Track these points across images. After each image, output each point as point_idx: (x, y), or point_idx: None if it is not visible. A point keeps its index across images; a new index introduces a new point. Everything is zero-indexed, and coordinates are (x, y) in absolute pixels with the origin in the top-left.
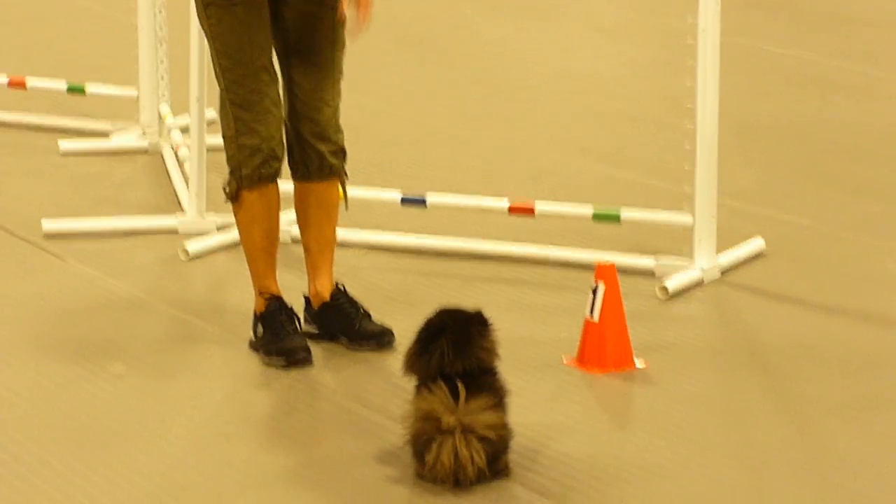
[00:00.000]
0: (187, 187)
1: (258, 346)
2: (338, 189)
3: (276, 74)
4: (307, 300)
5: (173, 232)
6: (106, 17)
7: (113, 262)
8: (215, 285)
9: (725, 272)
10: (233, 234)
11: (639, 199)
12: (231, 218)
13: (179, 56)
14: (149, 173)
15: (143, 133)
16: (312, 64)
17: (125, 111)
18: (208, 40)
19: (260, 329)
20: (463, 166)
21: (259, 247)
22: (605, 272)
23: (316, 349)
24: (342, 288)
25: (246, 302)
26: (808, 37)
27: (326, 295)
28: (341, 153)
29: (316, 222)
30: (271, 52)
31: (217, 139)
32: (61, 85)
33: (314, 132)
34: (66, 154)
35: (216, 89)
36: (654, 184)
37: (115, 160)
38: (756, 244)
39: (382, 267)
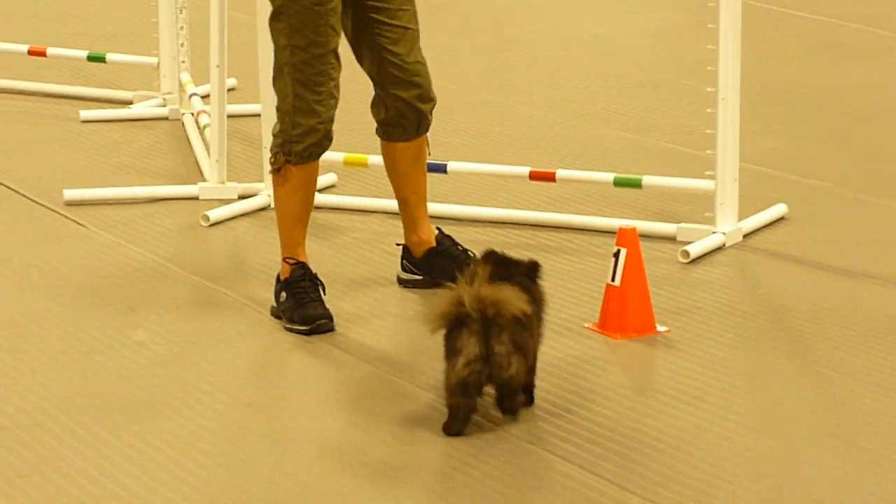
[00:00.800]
0: (208, 155)
1: (280, 312)
2: (426, 141)
3: (340, 59)
4: (406, 249)
5: (194, 199)
6: None
7: (134, 229)
8: (236, 252)
9: (747, 236)
10: (253, 202)
11: (660, 165)
12: (252, 186)
13: (199, 23)
14: (169, 141)
15: (164, 101)
16: (403, 30)
17: (145, 79)
18: (280, 15)
19: (283, 295)
20: (484, 133)
21: (296, 215)
22: (627, 237)
23: (339, 317)
24: (445, 233)
25: (267, 268)
26: (829, 0)
27: (432, 240)
28: (434, 106)
29: (413, 176)
30: (341, 37)
31: (237, 107)
32: (81, 53)
33: (419, 95)
34: (87, 122)
35: (238, 56)
36: (676, 149)
37: (135, 128)
38: (778, 208)
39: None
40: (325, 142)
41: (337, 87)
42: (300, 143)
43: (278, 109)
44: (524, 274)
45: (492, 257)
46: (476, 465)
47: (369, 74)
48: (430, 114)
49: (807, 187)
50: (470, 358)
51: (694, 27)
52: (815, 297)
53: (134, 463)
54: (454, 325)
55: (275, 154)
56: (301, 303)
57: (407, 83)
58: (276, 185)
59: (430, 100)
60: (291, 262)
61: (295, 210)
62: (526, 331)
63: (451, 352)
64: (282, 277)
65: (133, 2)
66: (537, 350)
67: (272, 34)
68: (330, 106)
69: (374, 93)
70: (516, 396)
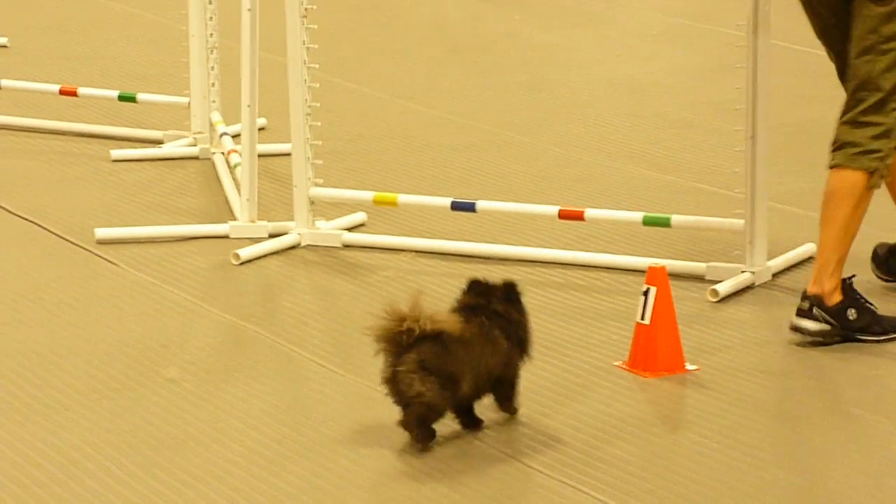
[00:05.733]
0: (239, 194)
1: (858, 329)
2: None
3: None
4: (875, 251)
5: (224, 238)
6: (157, 25)
7: (165, 267)
8: (267, 290)
9: (777, 275)
10: (283, 240)
11: (689, 204)
12: (283, 225)
13: (229, 63)
14: (200, 180)
15: (194, 140)
16: None
17: (176, 119)
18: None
19: (853, 312)
20: (513, 172)
21: (853, 234)
22: (657, 275)
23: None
24: None
25: (297, 307)
26: None
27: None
28: None
29: None
30: None
31: (267, 146)
32: (113, 93)
33: None
34: (118, 161)
35: (267, 96)
36: (705, 188)
37: (166, 167)
38: (807, 247)
39: (433, 272)
40: None
41: None
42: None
43: (891, 129)
44: (502, 298)
45: (473, 288)
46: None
47: None
48: None
49: None
50: (384, 378)
51: (724, 67)
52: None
53: (166, 499)
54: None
55: (879, 173)
56: (872, 312)
57: None
58: (859, 202)
59: None
60: (837, 283)
61: (856, 229)
62: (446, 352)
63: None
64: (834, 302)
65: (164, 42)
66: (511, 369)
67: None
68: None
69: None
70: (431, 418)
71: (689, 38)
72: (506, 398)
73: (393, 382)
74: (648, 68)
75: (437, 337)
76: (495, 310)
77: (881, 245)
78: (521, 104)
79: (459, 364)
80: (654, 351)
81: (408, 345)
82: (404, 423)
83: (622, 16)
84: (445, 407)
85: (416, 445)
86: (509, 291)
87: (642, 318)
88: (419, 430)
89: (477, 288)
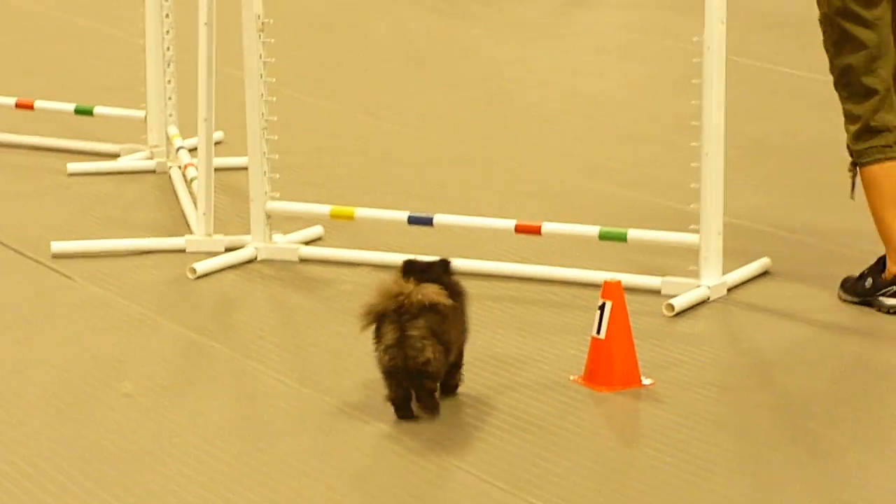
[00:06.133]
0: (195, 208)
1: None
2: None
3: None
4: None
5: (181, 252)
6: (114, 39)
7: (122, 281)
8: (223, 304)
9: (732, 290)
10: (240, 254)
11: (646, 219)
12: (239, 238)
13: (186, 77)
14: (156, 194)
15: (151, 154)
16: None
17: (133, 132)
18: None
19: None
20: (470, 186)
21: None
22: (612, 290)
23: (325, 367)
24: None
25: (254, 321)
26: (814, 56)
27: None
28: None
29: None
30: None
31: (224, 160)
32: (69, 106)
33: None
34: (74, 175)
35: (224, 109)
36: (662, 203)
37: (122, 181)
38: (762, 262)
39: None
40: None
41: None
42: None
43: None
44: (441, 272)
45: (412, 267)
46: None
47: None
48: None
49: (791, 241)
50: (388, 344)
51: (681, 82)
52: (800, 351)
53: None
54: (378, 320)
55: None
56: None
57: None
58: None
59: None
60: None
61: None
62: (445, 321)
63: (376, 344)
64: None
65: (121, 55)
66: (463, 345)
67: None
68: None
69: None
70: (433, 388)
71: (647, 53)
72: (457, 368)
73: (401, 347)
74: (605, 82)
75: (434, 307)
76: (447, 284)
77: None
78: (480, 118)
79: (451, 335)
80: (610, 365)
81: (415, 312)
82: (422, 396)
83: (579, 30)
84: (442, 376)
85: (401, 414)
86: (447, 267)
87: (598, 333)
88: (429, 399)
89: (416, 266)
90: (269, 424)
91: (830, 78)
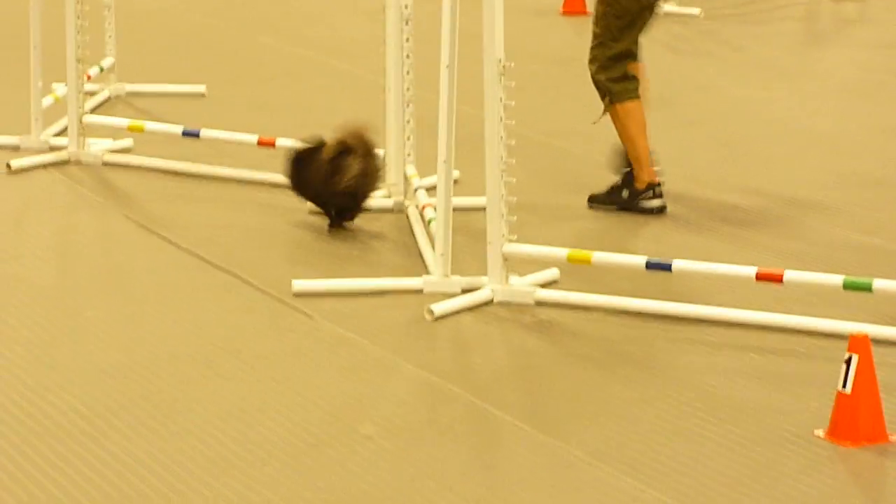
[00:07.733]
0: (433, 248)
1: None
2: None
3: None
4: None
5: (418, 292)
6: (350, 76)
7: (360, 321)
8: (461, 347)
9: None
10: (477, 296)
11: (891, 267)
12: (476, 280)
13: (422, 114)
14: (394, 233)
15: (389, 193)
16: None
17: None
18: None
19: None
20: (709, 230)
21: None
22: (859, 344)
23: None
24: None
25: (492, 364)
26: None
27: None
28: None
29: None
30: None
31: (461, 200)
32: None
33: None
34: (315, 213)
35: (461, 148)
36: None
37: (361, 219)
38: None
39: (628, 332)
40: None
41: None
42: None
43: None
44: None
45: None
46: None
47: None
48: None
49: None
50: (354, 173)
51: None
52: None
53: None
54: (337, 155)
55: None
56: None
57: None
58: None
59: None
60: None
61: None
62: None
63: (334, 172)
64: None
65: (357, 92)
66: None
67: None
68: None
69: None
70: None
71: (886, 93)
72: None
73: (371, 176)
74: (848, 124)
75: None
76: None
77: None
78: (717, 159)
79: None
80: (856, 420)
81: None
82: (354, 216)
83: (817, 69)
84: None
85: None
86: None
87: (844, 387)
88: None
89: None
90: (509, 471)
91: None
